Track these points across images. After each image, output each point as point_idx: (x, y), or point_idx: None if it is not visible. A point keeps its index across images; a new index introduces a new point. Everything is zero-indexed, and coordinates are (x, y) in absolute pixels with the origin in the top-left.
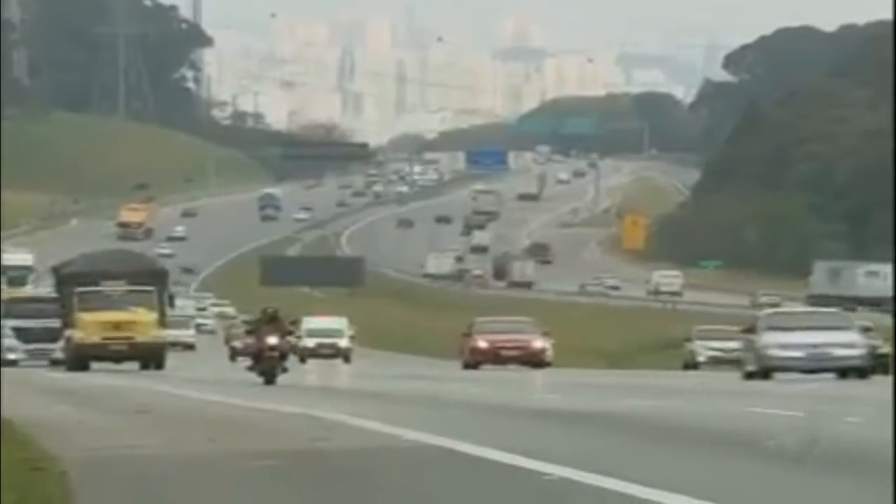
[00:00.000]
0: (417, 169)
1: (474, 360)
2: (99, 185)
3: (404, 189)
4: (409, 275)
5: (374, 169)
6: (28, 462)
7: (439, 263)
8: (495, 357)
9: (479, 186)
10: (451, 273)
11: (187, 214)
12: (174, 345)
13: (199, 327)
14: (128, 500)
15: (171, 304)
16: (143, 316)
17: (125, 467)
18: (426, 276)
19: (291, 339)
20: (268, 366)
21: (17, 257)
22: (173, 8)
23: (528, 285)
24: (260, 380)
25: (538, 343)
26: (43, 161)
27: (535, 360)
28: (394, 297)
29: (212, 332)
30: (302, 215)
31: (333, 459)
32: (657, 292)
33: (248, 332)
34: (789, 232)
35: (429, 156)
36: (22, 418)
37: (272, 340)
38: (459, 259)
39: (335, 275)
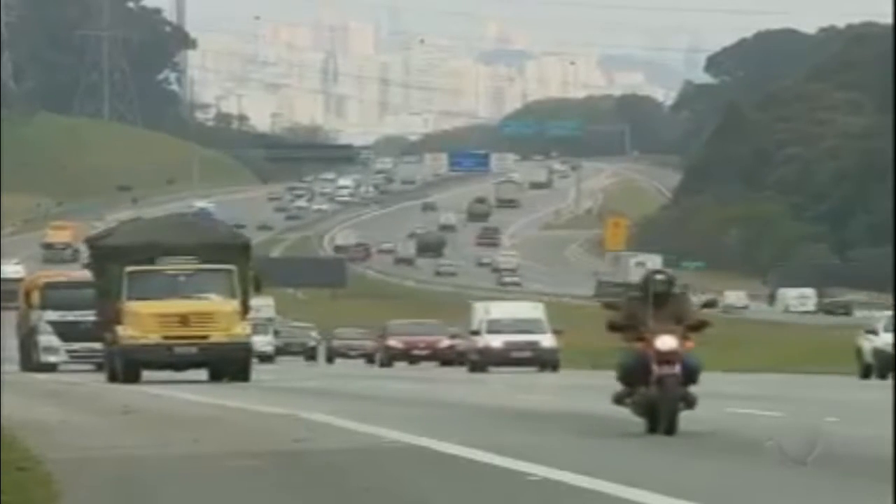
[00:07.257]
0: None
1: None
2: (83, 187)
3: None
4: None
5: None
6: (12, 463)
7: (345, 237)
8: None
9: (514, 175)
10: (347, 246)
11: None
12: None
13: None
14: (112, 500)
15: (258, 289)
16: (222, 306)
17: (109, 467)
18: (336, 248)
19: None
20: (662, 397)
21: (9, 269)
22: (157, 10)
23: (409, 262)
24: (641, 423)
25: None
26: (27, 163)
27: None
28: (375, 299)
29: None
30: None
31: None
32: (497, 270)
33: (614, 328)
34: (770, 233)
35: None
36: (6, 419)
37: (669, 343)
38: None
39: (318, 276)
